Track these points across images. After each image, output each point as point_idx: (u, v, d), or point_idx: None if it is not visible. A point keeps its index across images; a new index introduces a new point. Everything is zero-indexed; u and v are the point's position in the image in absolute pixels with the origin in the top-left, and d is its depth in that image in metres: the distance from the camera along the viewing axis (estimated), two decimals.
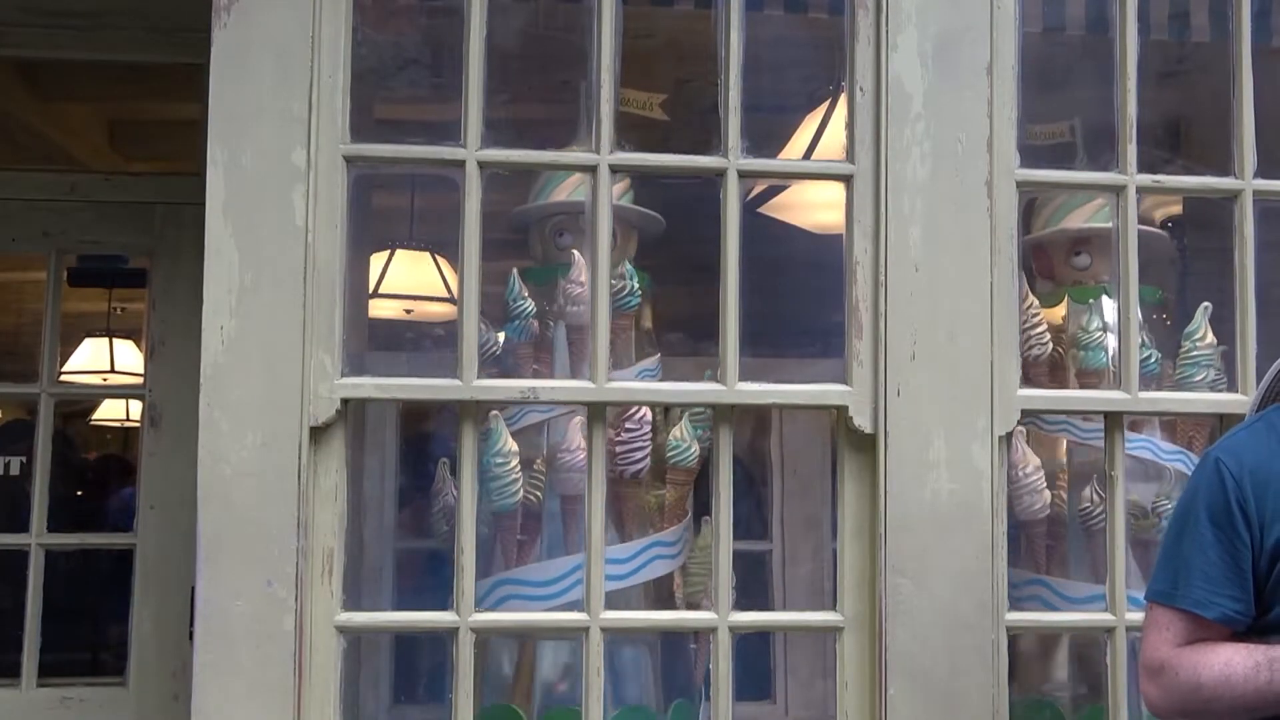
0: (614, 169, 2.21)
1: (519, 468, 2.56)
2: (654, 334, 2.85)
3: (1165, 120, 3.44)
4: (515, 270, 2.66)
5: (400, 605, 3.26)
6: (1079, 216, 2.84)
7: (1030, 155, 2.27)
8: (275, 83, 2.11)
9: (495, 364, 2.61)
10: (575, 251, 2.65)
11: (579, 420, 2.57)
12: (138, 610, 3.20)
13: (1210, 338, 2.67)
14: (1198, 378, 2.65)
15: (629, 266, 2.66)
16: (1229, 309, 2.34)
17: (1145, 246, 2.33)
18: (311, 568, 2.09)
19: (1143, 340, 2.67)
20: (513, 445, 2.55)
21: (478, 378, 2.17)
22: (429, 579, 2.68)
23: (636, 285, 2.67)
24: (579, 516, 2.54)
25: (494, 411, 2.49)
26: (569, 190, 2.72)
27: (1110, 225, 2.41)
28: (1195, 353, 2.67)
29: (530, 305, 2.63)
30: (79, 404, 6.77)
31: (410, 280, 4.18)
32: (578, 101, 2.39)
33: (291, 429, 2.08)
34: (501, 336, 2.61)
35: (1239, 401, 2.25)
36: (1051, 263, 2.93)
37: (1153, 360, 2.67)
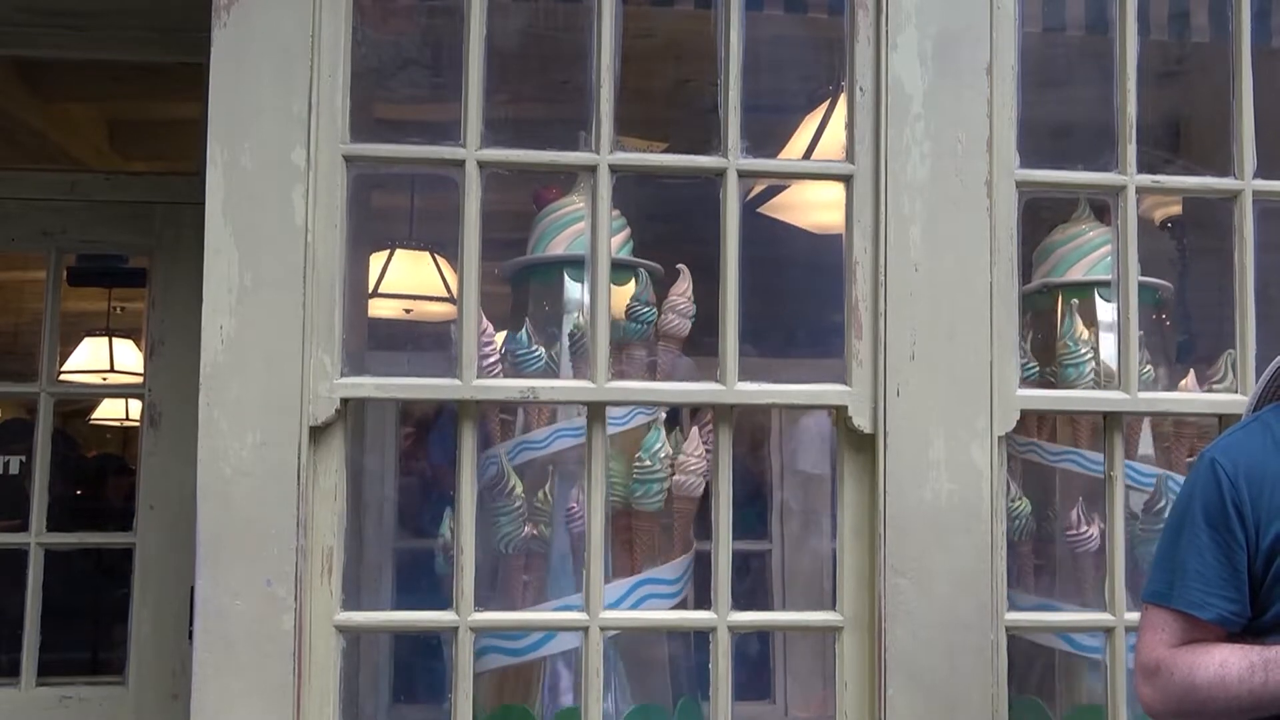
0: (614, 169, 2.21)
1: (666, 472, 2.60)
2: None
3: (1165, 120, 3.45)
4: (643, 269, 2.66)
5: (401, 605, 3.26)
6: (1079, 269, 2.80)
7: (1031, 155, 2.27)
8: (275, 82, 2.11)
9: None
10: (682, 265, 2.67)
11: (695, 427, 2.61)
12: (137, 609, 3.21)
13: (1080, 330, 2.65)
14: (1074, 377, 2.64)
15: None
16: (1229, 309, 2.34)
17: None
18: (311, 567, 2.09)
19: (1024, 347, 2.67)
20: (669, 449, 2.58)
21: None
22: (430, 579, 2.67)
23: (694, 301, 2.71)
24: (702, 517, 2.58)
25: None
26: (567, 242, 2.72)
27: (1110, 277, 2.40)
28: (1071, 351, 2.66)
29: (653, 311, 2.63)
30: (79, 403, 6.78)
31: (410, 280, 4.18)
32: (577, 101, 2.39)
33: (291, 429, 2.08)
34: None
35: (1238, 401, 2.25)
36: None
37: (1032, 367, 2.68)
